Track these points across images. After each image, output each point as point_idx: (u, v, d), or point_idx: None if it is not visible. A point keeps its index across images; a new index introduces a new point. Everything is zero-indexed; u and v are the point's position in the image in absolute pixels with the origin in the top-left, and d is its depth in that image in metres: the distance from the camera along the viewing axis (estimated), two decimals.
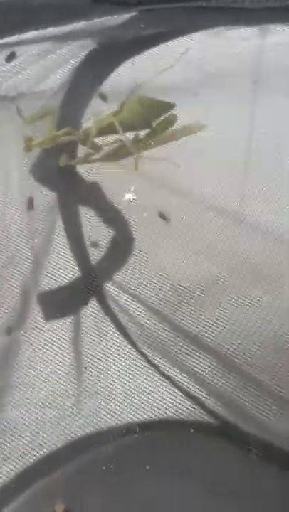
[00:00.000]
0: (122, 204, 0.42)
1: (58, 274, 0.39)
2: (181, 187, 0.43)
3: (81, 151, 0.43)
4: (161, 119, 0.42)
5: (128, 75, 0.48)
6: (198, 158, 0.44)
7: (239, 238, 0.41)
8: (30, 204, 0.42)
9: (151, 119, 0.42)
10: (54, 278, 0.39)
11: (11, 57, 0.51)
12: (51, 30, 0.52)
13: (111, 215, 0.41)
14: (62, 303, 0.38)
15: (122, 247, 0.40)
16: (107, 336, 0.37)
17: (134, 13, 0.53)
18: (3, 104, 0.47)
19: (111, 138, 0.42)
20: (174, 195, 0.43)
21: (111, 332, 0.37)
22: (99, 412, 0.36)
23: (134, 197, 0.42)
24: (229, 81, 0.47)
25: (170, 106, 0.42)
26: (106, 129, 0.41)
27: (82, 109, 0.46)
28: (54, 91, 0.47)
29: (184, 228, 0.41)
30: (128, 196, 0.42)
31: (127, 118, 0.41)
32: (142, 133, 0.42)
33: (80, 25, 0.53)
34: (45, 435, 0.35)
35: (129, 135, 0.42)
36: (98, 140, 0.42)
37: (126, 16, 0.53)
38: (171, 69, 0.44)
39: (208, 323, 0.38)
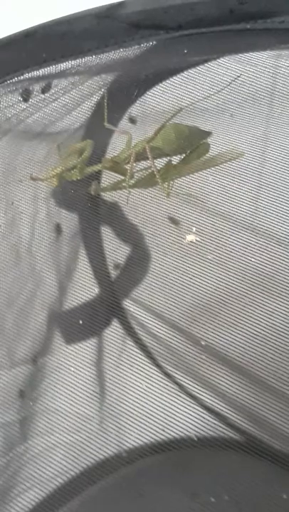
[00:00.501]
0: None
1: (80, 297, 0.39)
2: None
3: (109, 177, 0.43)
4: (195, 147, 0.41)
5: (163, 97, 0.48)
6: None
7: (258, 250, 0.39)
8: (57, 230, 0.42)
9: (186, 147, 0.41)
10: (76, 301, 0.39)
11: (47, 87, 0.52)
12: (89, 59, 0.53)
13: (128, 233, 0.41)
14: (83, 325, 0.38)
15: (139, 264, 0.40)
16: (129, 355, 0.37)
17: (175, 38, 0.53)
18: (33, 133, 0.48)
19: (143, 164, 0.42)
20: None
21: (133, 352, 0.37)
22: (122, 433, 0.35)
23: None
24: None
25: (206, 134, 0.42)
26: (138, 156, 0.41)
27: (111, 134, 0.46)
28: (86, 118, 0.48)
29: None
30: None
31: (161, 145, 0.41)
32: (175, 160, 0.41)
33: (118, 51, 0.53)
34: (70, 459, 0.35)
35: (162, 161, 0.41)
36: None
37: (166, 41, 0.53)
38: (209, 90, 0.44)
39: (230, 338, 0.36)
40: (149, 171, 0.41)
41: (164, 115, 0.43)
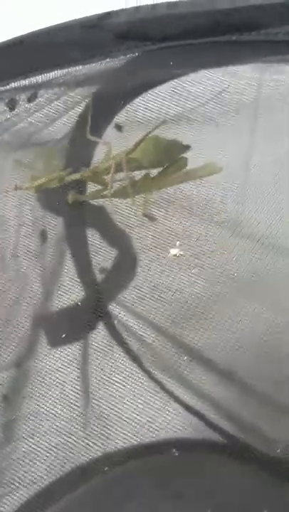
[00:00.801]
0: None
1: (65, 301, 0.40)
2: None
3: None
4: (174, 161, 0.42)
5: (149, 106, 0.49)
6: None
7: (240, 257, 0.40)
8: (43, 235, 0.43)
9: (164, 160, 0.42)
10: (61, 305, 0.40)
11: (33, 97, 0.52)
12: (74, 69, 0.54)
13: (115, 237, 0.42)
14: (68, 328, 0.39)
15: (126, 268, 0.41)
16: (114, 358, 0.37)
17: (161, 49, 0.54)
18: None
19: (122, 175, 0.42)
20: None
21: (118, 355, 0.38)
22: (107, 435, 0.35)
23: None
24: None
25: (184, 148, 0.43)
26: (118, 167, 0.42)
27: (95, 144, 0.47)
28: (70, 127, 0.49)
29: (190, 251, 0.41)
30: None
31: (140, 157, 0.41)
32: (154, 172, 0.42)
33: (104, 62, 0.54)
34: (55, 461, 0.35)
35: (141, 174, 0.42)
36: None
37: (151, 52, 0.54)
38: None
39: (216, 341, 0.37)
40: (126, 182, 0.42)
41: (150, 123, 0.44)
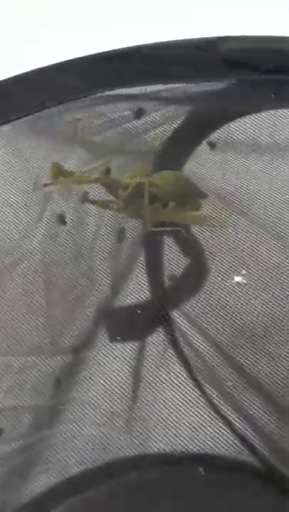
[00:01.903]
0: None
1: (130, 301, 0.41)
2: None
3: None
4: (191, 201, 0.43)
5: (244, 131, 0.50)
6: None
7: None
8: (120, 234, 0.44)
9: (179, 197, 0.43)
10: (127, 303, 0.41)
11: (139, 113, 0.54)
12: (175, 86, 0.55)
13: (190, 247, 0.43)
14: (130, 327, 0.40)
15: (196, 278, 0.41)
16: (167, 364, 0.38)
17: (265, 81, 0.55)
18: None
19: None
20: None
21: (171, 362, 0.38)
22: (146, 437, 0.36)
23: None
24: None
25: (201, 195, 0.44)
26: (136, 188, 0.41)
27: (187, 155, 0.48)
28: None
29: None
30: None
31: (160, 185, 0.42)
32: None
33: (205, 85, 0.55)
34: (89, 452, 0.36)
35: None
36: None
37: (254, 82, 0.55)
38: None
39: (270, 368, 0.37)
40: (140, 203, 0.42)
41: (242, 146, 0.45)
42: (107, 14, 0.73)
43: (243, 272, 0.42)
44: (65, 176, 0.40)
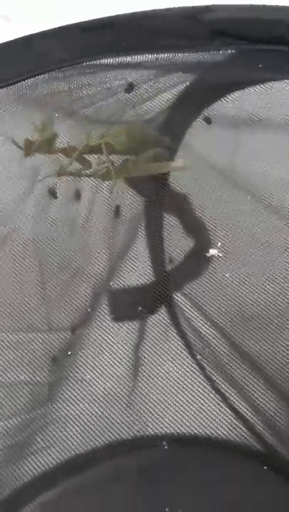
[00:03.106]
0: None
1: (131, 279, 0.41)
2: None
3: None
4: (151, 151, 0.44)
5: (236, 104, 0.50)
6: None
7: None
8: (116, 212, 0.44)
9: (137, 149, 0.43)
10: (127, 282, 0.41)
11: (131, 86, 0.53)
12: (164, 56, 0.54)
13: (193, 227, 0.42)
14: (131, 307, 0.40)
15: (199, 259, 0.41)
16: (168, 345, 0.38)
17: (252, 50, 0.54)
18: None
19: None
20: None
21: (173, 342, 0.38)
22: (148, 417, 0.36)
23: None
24: None
25: (165, 142, 0.45)
26: (95, 148, 0.43)
27: (183, 131, 0.48)
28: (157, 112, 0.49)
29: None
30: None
31: (113, 143, 0.43)
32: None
33: (196, 54, 0.55)
34: (89, 432, 0.36)
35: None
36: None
37: (244, 52, 0.54)
38: None
39: (271, 350, 0.38)
40: (104, 165, 0.43)
41: (238, 120, 0.44)
42: None
43: (219, 244, 0.42)
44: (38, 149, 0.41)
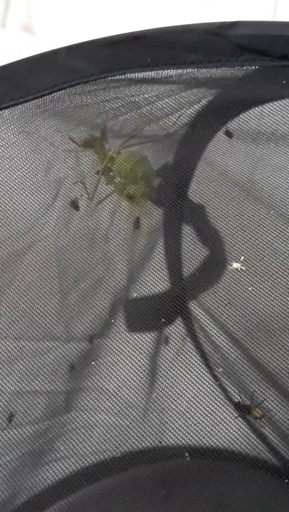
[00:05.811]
0: None
1: (150, 290, 0.41)
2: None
3: None
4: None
5: (258, 119, 0.50)
6: None
7: None
8: (136, 223, 0.44)
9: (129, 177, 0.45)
10: (146, 293, 0.41)
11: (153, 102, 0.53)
12: (188, 71, 0.55)
13: (209, 238, 0.43)
14: (148, 317, 0.40)
15: (214, 270, 0.41)
16: (184, 355, 0.38)
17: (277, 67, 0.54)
18: None
19: None
20: None
21: (189, 353, 0.38)
22: (163, 428, 0.36)
23: None
24: None
25: (154, 182, 0.45)
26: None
27: (204, 144, 0.48)
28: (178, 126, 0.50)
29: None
30: None
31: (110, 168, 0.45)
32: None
33: (220, 69, 0.55)
34: (106, 442, 0.36)
35: None
36: None
37: (268, 68, 0.54)
38: None
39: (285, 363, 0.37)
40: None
41: (260, 135, 0.44)
42: None
43: (242, 258, 0.42)
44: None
